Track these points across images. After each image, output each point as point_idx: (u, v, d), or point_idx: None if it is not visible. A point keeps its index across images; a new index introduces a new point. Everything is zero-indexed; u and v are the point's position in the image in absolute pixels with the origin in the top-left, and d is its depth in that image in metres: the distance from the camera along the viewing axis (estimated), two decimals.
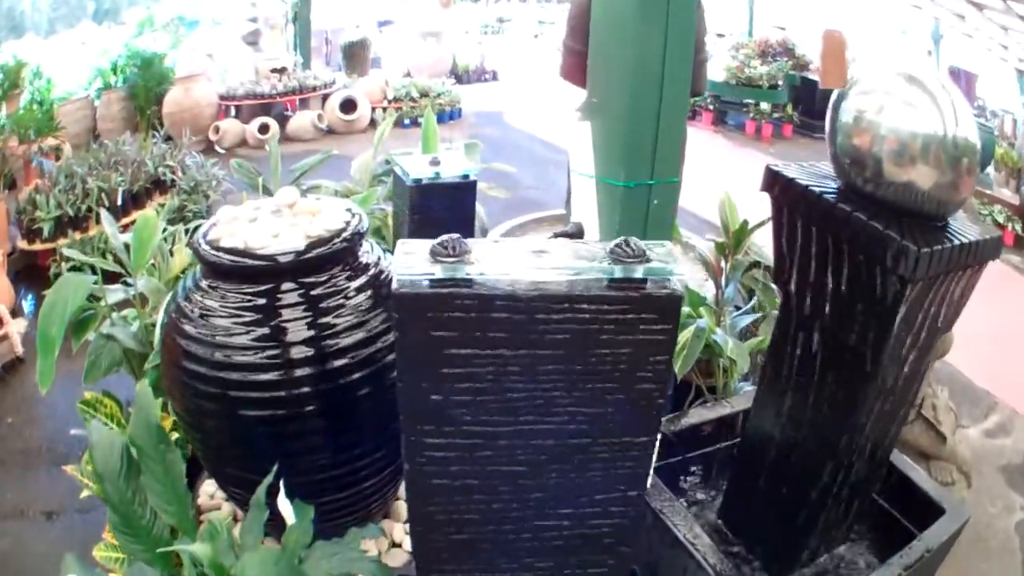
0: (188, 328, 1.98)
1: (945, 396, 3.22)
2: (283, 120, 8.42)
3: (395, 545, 2.41)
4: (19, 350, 4.32)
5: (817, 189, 1.71)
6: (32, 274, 5.29)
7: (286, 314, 1.95)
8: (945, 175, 1.57)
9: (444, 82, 10.19)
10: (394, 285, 1.22)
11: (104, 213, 3.16)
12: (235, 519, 2.46)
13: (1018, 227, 6.86)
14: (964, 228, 1.66)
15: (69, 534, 3.11)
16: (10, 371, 4.25)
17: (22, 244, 5.35)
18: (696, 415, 2.53)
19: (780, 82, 9.51)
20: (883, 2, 10.52)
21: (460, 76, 12.01)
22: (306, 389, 1.96)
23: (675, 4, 2.07)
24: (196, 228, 2.23)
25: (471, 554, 1.56)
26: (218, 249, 1.95)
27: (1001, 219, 7.01)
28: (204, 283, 2.02)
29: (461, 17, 15.11)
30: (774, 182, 1.80)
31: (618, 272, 1.24)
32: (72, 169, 5.49)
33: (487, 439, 1.37)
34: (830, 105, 1.73)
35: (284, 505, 1.73)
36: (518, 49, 15.51)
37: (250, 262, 1.92)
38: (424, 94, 9.54)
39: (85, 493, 2.60)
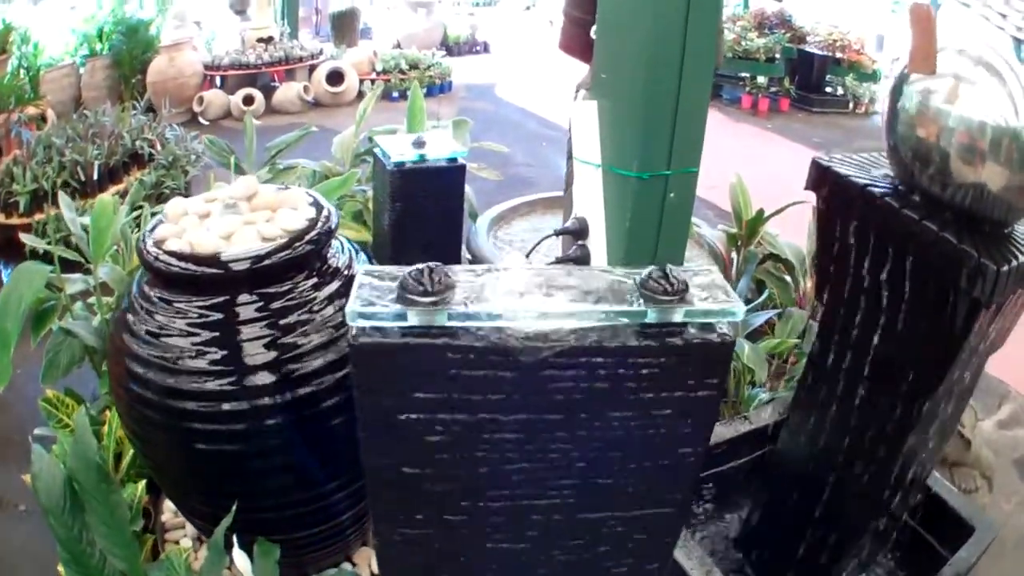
0: (134, 347, 1.65)
1: None
2: (269, 91, 8.04)
3: (374, 574, 2.11)
4: None
5: (876, 190, 1.37)
6: (10, 248, 4.87)
7: (245, 332, 1.61)
8: (1017, 175, 1.27)
9: (434, 54, 9.76)
10: (351, 332, 0.89)
11: (62, 196, 2.85)
12: (200, 541, 2.17)
13: None
14: None
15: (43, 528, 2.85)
16: None
17: (0, 218, 5.06)
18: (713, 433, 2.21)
19: (777, 55, 9.12)
20: None
21: (451, 48, 11.56)
22: (270, 421, 1.64)
23: None
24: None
25: None
26: (163, 252, 1.62)
27: None
28: (150, 292, 1.68)
29: None
30: (824, 179, 1.47)
31: (652, 316, 0.90)
32: (50, 140, 5.21)
33: (473, 515, 1.04)
34: (889, 89, 1.41)
35: (240, 558, 1.49)
36: (510, 22, 15.04)
37: (198, 269, 1.58)
38: (414, 66, 9.11)
39: None
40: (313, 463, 1.72)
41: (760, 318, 2.75)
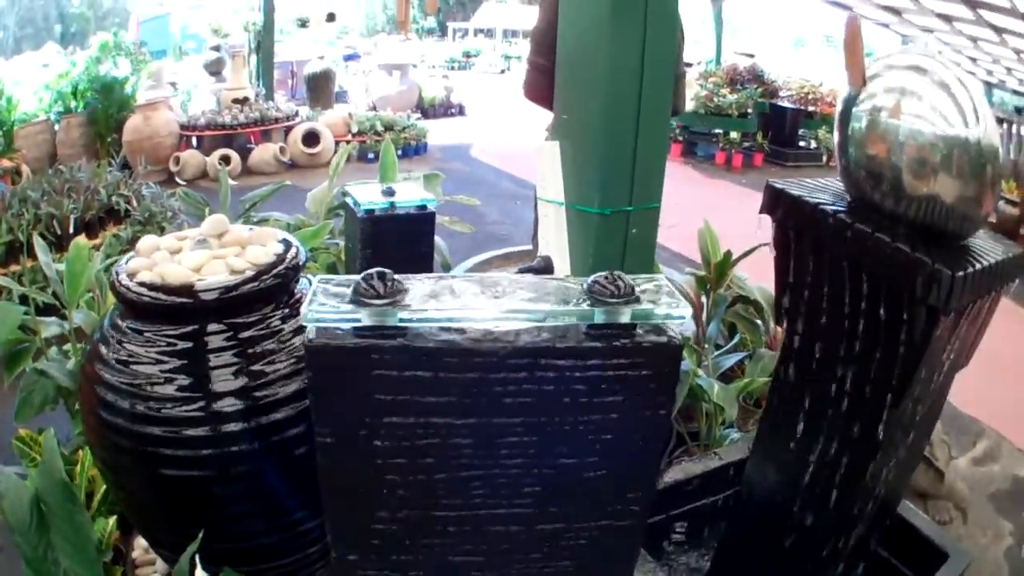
0: (105, 374, 1.66)
1: (939, 430, 2.96)
2: (245, 152, 8.12)
3: None
4: None
5: (829, 208, 1.42)
6: None
7: (213, 360, 1.62)
8: (969, 186, 1.32)
9: (410, 115, 9.92)
10: (306, 334, 0.92)
11: (38, 241, 2.86)
12: None
13: None
14: (986, 246, 1.41)
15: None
16: None
17: None
18: (681, 470, 2.22)
19: (750, 110, 9.33)
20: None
21: (426, 110, 11.76)
22: (236, 448, 1.64)
23: (653, 4, 1.78)
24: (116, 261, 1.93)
25: None
26: (134, 283, 1.64)
27: None
28: (122, 323, 1.70)
29: (428, 52, 14.92)
30: (777, 202, 1.51)
31: (599, 316, 0.93)
32: (26, 194, 5.27)
33: (431, 525, 1.06)
34: (838, 113, 1.46)
35: None
36: (485, 84, 15.32)
37: (169, 299, 1.60)
38: (389, 127, 9.25)
39: None
40: (279, 491, 1.72)
41: (731, 360, 2.78)
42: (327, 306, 0.92)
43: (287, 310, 1.74)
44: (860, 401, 1.52)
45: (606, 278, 0.96)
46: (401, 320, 0.91)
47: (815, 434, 1.66)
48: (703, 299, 2.94)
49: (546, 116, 2.61)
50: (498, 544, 1.09)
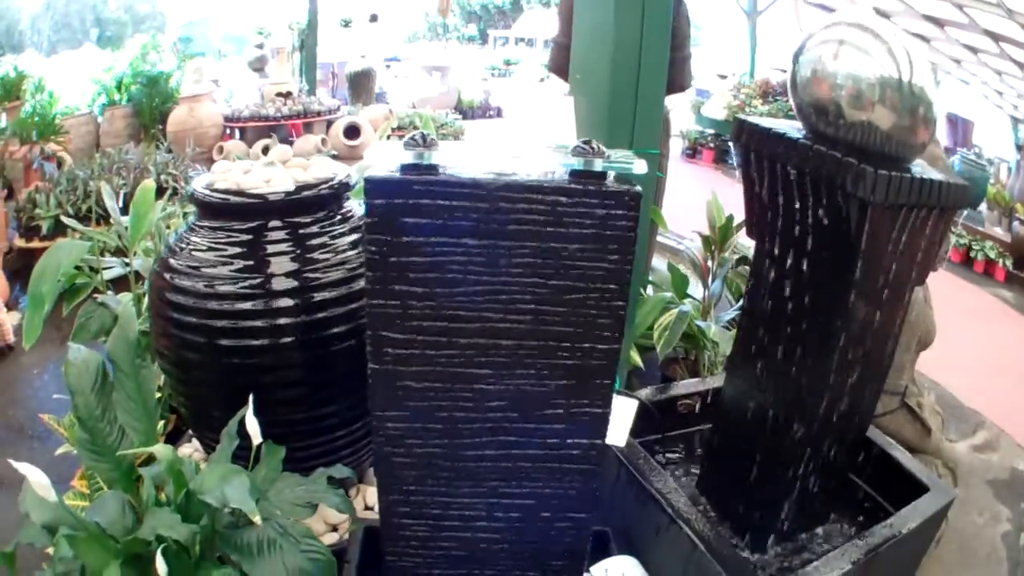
0: (175, 280, 2.07)
1: (932, 400, 3.26)
2: (287, 144, 8.55)
3: (368, 508, 2.46)
4: (10, 339, 4.39)
5: (780, 131, 1.80)
6: (29, 273, 5.26)
7: (273, 262, 2.05)
8: (902, 117, 1.67)
9: (448, 114, 10.36)
10: (367, 173, 1.31)
11: (104, 185, 3.26)
12: None
13: (1009, 263, 7.04)
14: (928, 172, 1.74)
15: None
16: (0, 357, 4.32)
17: (19, 242, 5.44)
18: (680, 387, 2.59)
19: None
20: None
21: (465, 111, 12.21)
22: (287, 340, 2.04)
23: None
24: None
25: (432, 472, 1.62)
26: (212, 190, 2.06)
27: (993, 255, 7.22)
28: (195, 228, 2.12)
29: (469, 57, 15.39)
30: (741, 130, 1.90)
31: (579, 164, 1.32)
32: (74, 173, 5.63)
33: (450, 337, 1.45)
34: (790, 60, 1.83)
35: (252, 423, 1.78)
36: (523, 90, 15.76)
37: (241, 200, 2.02)
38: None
39: (60, 450, 2.66)
40: (319, 381, 2.12)
41: (730, 313, 3.16)
42: (386, 157, 1.32)
43: (340, 224, 2.14)
44: (813, 305, 1.86)
45: (585, 142, 1.34)
46: (435, 160, 1.30)
47: (775, 345, 2.00)
48: (709, 262, 3.32)
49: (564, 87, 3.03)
50: (500, 358, 1.47)
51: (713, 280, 3.28)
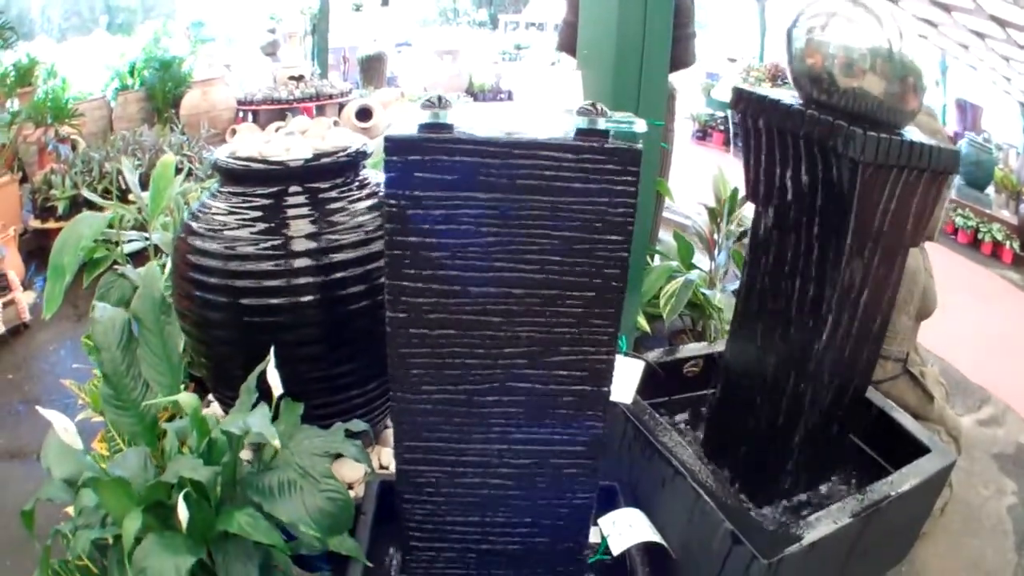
0: (198, 243, 2.19)
1: (935, 371, 3.33)
2: None
3: (382, 467, 2.59)
4: (26, 317, 4.52)
5: (775, 98, 1.91)
6: (43, 254, 5.36)
7: (293, 224, 2.17)
8: (893, 84, 1.77)
9: (460, 98, 10.46)
10: (388, 131, 1.42)
11: (125, 161, 3.38)
12: None
13: (1016, 245, 7.13)
14: (920, 138, 1.85)
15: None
16: (15, 335, 4.44)
17: (35, 223, 5.58)
18: (686, 350, 2.71)
19: None
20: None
21: (476, 95, 12.31)
22: (305, 299, 2.17)
23: None
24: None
25: (446, 418, 1.74)
26: (235, 158, 2.18)
27: (1000, 237, 7.31)
28: (217, 195, 2.24)
29: (480, 42, 15.46)
30: (740, 99, 2.01)
31: (583, 123, 1.44)
32: (89, 155, 5.76)
33: (463, 285, 1.56)
34: (784, 34, 1.94)
35: (273, 375, 1.88)
36: (534, 75, 15.81)
37: (262, 166, 2.14)
38: None
39: (81, 415, 2.77)
40: (335, 340, 2.24)
41: (735, 284, 3.26)
42: (407, 118, 1.44)
43: (358, 190, 2.26)
44: (808, 264, 1.97)
45: (590, 104, 1.45)
46: (450, 120, 1.42)
47: (774, 304, 2.11)
48: (715, 235, 3.43)
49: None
50: (510, 305, 1.60)
51: (719, 252, 3.39)
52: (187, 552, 1.66)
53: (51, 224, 5.47)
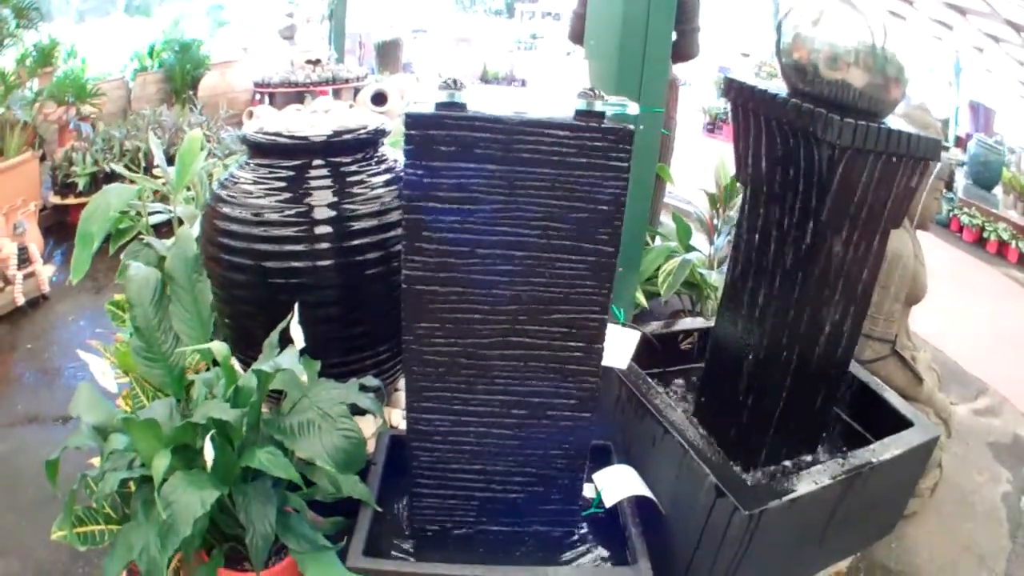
0: (226, 210, 2.40)
1: (928, 357, 3.47)
2: None
3: (392, 427, 2.77)
4: (45, 289, 4.73)
5: (763, 88, 2.10)
6: (63, 230, 5.71)
7: (315, 194, 2.37)
8: (875, 76, 1.94)
9: (474, 84, 10.63)
10: (408, 109, 1.63)
11: (152, 136, 3.58)
12: None
13: (1022, 245, 7.28)
14: (898, 124, 2.02)
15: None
16: (35, 306, 4.67)
17: (55, 199, 5.79)
18: (682, 324, 2.90)
19: None
20: (907, 35, 10.91)
21: (490, 82, 12.49)
22: (325, 263, 2.38)
23: None
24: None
25: (453, 370, 1.96)
26: (262, 132, 2.38)
27: (1006, 236, 7.46)
28: (245, 167, 2.45)
29: (495, 30, 15.62)
30: (730, 88, 2.20)
31: (583, 105, 1.64)
32: (109, 133, 5.99)
33: (471, 247, 1.78)
34: (774, 29, 2.13)
35: (295, 330, 2.07)
36: (549, 64, 15.97)
37: (287, 140, 2.34)
38: None
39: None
40: (353, 302, 2.45)
41: None
42: (425, 97, 1.65)
43: (376, 165, 2.47)
44: (790, 242, 2.14)
45: (589, 89, 1.66)
46: (463, 99, 1.62)
47: (759, 278, 2.28)
48: (715, 220, 3.63)
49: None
50: (512, 266, 1.81)
51: (718, 236, 3.59)
52: (212, 487, 1.86)
53: (71, 200, 5.71)
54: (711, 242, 3.64)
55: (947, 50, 9.57)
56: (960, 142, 9.37)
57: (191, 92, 8.45)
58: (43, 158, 6.16)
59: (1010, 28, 7.33)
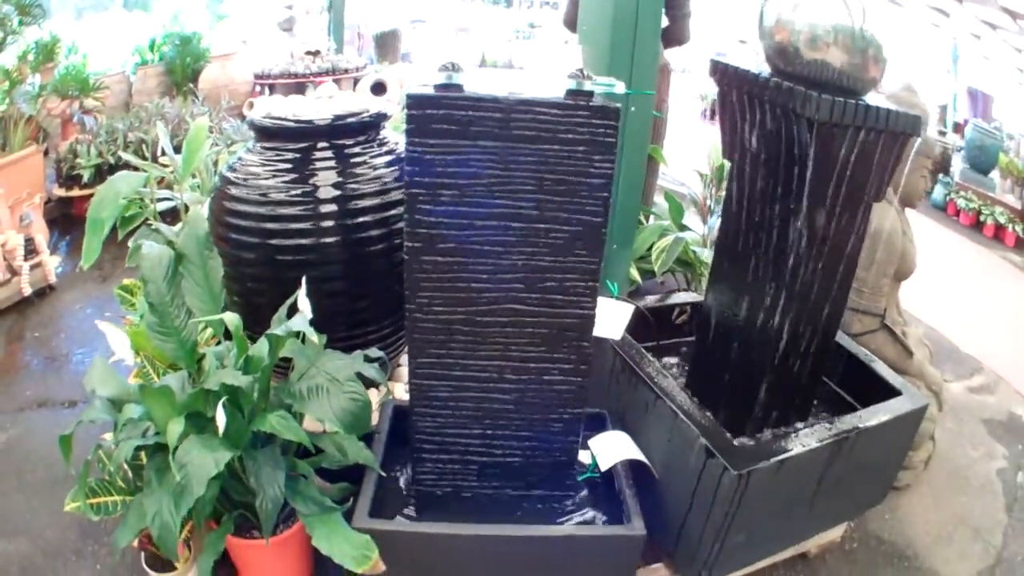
0: (234, 191, 2.54)
1: (919, 332, 3.57)
2: None
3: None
4: (52, 279, 4.81)
5: (746, 68, 2.23)
6: (67, 221, 5.84)
7: (319, 175, 2.52)
8: (854, 55, 2.06)
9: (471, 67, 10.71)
10: (409, 90, 1.77)
11: (160, 125, 3.71)
12: None
13: (1019, 229, 7.39)
14: (878, 102, 2.12)
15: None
16: (41, 296, 4.73)
17: (59, 191, 5.89)
18: (675, 297, 3.04)
19: None
20: (904, 22, 10.95)
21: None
22: (330, 240, 2.52)
23: None
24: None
25: (454, 336, 2.10)
26: (269, 117, 2.52)
27: (1003, 220, 7.59)
28: (252, 150, 2.58)
29: (494, 19, 15.68)
30: (716, 69, 2.34)
31: (573, 85, 1.78)
32: (113, 125, 6.11)
33: (470, 219, 1.91)
34: (757, 14, 2.25)
35: (303, 302, 2.20)
36: (548, 52, 16.02)
37: (292, 124, 2.48)
38: None
39: (113, 358, 3.06)
40: (356, 276, 2.60)
41: None
42: (426, 79, 1.78)
43: (378, 147, 2.60)
44: (774, 214, 2.27)
45: (579, 70, 1.79)
46: (461, 79, 1.76)
47: (745, 251, 2.41)
48: (708, 201, 3.76)
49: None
50: (509, 236, 1.95)
51: (712, 215, 3.72)
52: (224, 450, 1.99)
53: (75, 192, 5.81)
54: (704, 221, 3.77)
55: (945, 37, 9.63)
56: (958, 128, 9.45)
57: (192, 84, 8.55)
58: (46, 152, 6.26)
59: (1007, 15, 7.40)
